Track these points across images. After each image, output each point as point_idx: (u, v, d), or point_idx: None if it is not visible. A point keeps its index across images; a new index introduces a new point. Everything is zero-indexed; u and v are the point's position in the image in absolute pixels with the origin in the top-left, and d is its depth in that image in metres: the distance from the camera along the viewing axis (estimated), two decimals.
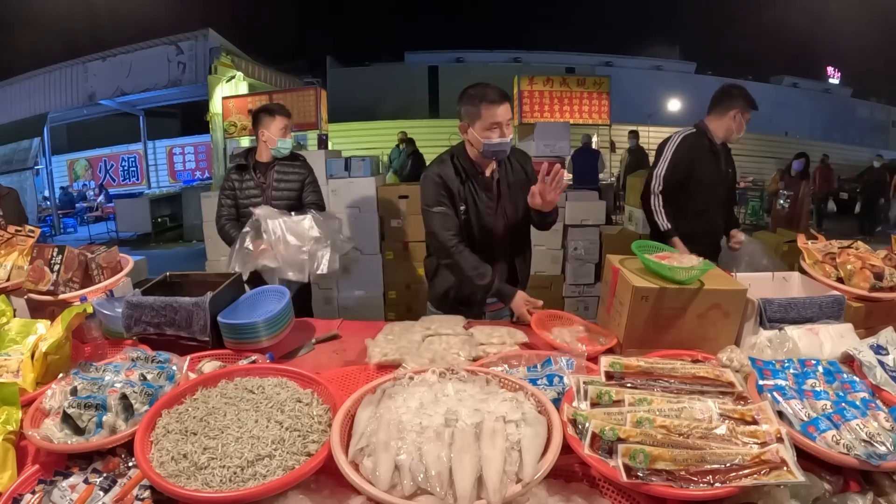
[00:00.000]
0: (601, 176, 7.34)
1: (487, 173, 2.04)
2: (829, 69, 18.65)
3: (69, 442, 1.10)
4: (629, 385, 1.17)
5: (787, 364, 1.27)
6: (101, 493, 1.02)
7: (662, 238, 2.35)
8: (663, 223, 2.39)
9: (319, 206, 2.74)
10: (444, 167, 2.02)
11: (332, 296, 4.45)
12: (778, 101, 15.82)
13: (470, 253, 1.96)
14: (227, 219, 2.74)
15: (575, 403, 1.13)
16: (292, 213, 2.37)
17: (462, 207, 2.01)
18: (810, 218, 8.48)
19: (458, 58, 15.46)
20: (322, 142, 5.82)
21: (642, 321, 1.52)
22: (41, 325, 1.51)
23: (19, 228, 2.06)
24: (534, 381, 1.23)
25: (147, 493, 1.00)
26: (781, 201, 7.55)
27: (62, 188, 12.18)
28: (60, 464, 1.11)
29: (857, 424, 1.03)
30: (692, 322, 1.51)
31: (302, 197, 2.74)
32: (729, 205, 2.60)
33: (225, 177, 2.77)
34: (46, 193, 11.40)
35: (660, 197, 2.41)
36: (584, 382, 1.16)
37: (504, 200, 2.06)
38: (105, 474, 1.06)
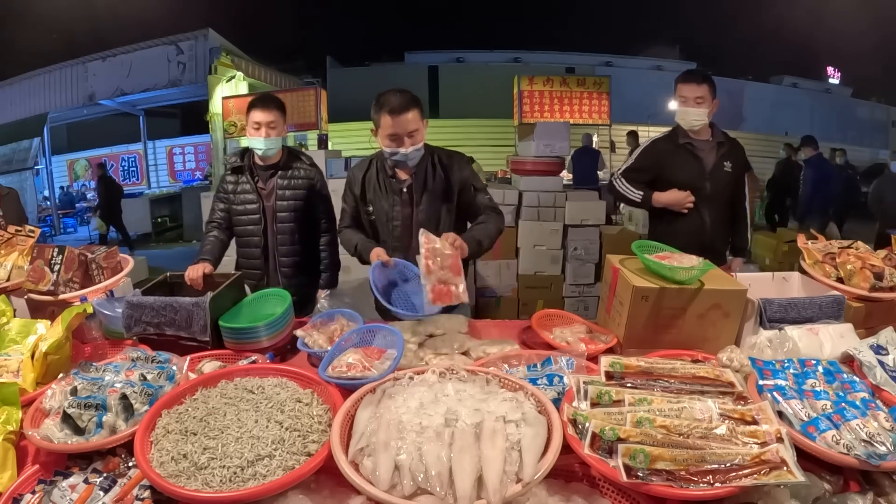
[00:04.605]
0: (601, 176, 7.33)
1: (403, 177, 1.95)
2: (829, 69, 18.60)
3: (69, 442, 1.11)
4: (629, 385, 1.17)
5: (787, 364, 1.27)
6: (101, 493, 1.02)
7: (645, 207, 2.43)
8: (635, 195, 2.43)
9: (330, 219, 2.44)
10: (360, 168, 2.04)
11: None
12: (778, 101, 15.78)
13: (352, 232, 2.01)
14: (215, 225, 2.37)
15: (575, 403, 1.13)
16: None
17: (370, 209, 1.99)
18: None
19: (458, 58, 15.39)
20: (322, 142, 5.82)
21: (642, 321, 1.52)
22: (41, 325, 1.51)
23: (19, 228, 2.05)
24: (534, 381, 1.23)
25: (147, 493, 1.01)
26: None
27: (62, 188, 12.19)
28: (60, 464, 1.11)
29: (857, 424, 1.03)
30: (692, 322, 1.51)
31: (311, 203, 2.38)
32: (729, 202, 2.46)
33: (221, 179, 2.45)
34: (46, 193, 11.40)
35: (620, 178, 2.47)
36: (584, 382, 1.16)
37: (418, 208, 1.94)
38: (105, 474, 1.06)
